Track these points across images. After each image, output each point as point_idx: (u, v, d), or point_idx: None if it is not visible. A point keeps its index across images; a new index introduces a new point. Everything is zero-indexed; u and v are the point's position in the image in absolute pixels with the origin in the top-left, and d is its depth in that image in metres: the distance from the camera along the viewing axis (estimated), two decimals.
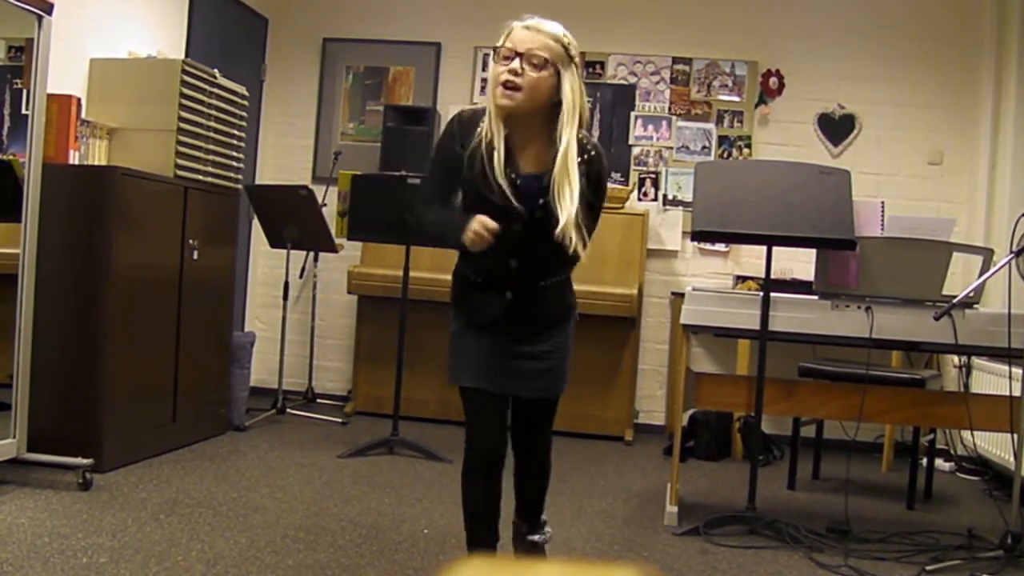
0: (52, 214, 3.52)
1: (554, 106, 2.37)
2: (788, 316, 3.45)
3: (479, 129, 2.40)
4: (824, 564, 3.13)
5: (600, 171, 2.49)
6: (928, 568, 3.11)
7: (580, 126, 2.39)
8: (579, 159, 2.38)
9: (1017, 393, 3.40)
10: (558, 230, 2.31)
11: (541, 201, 2.38)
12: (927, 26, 5.40)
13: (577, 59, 2.40)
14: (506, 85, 2.33)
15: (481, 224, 2.33)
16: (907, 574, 3.09)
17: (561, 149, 2.34)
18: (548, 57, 2.33)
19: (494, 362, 2.52)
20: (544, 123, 2.40)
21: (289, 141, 5.89)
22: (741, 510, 3.49)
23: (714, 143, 5.54)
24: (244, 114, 4.53)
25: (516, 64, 2.31)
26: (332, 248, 5.08)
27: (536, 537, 2.78)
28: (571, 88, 2.35)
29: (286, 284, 5.22)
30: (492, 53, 2.40)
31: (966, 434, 4.54)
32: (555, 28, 2.38)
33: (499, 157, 2.35)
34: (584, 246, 2.39)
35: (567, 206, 2.31)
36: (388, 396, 4.66)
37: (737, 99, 5.53)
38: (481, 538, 2.60)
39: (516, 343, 2.53)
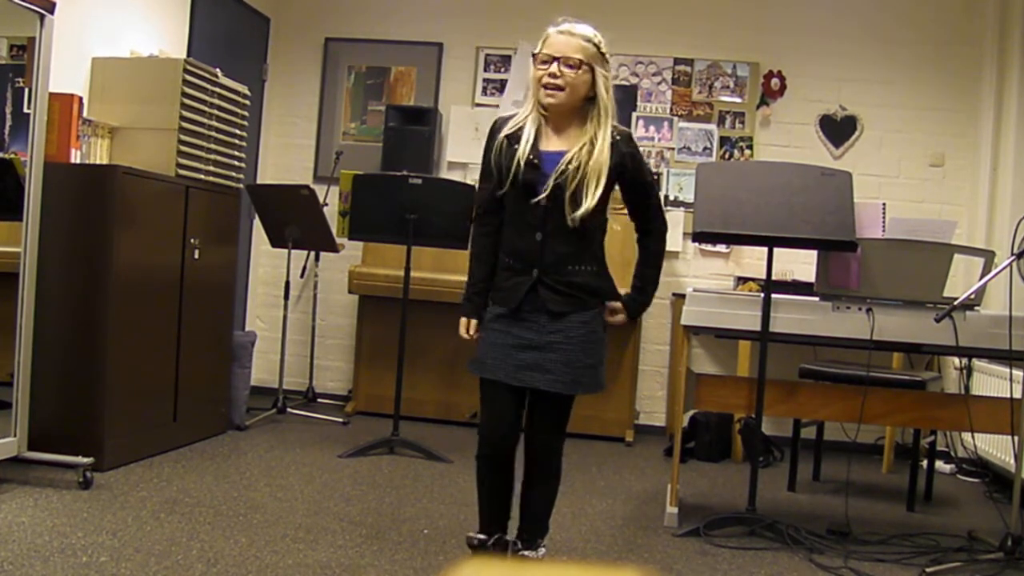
0: (53, 213, 3.52)
1: (588, 100, 2.60)
2: (789, 317, 3.45)
3: (509, 124, 2.68)
4: (824, 566, 3.13)
5: (634, 151, 2.68)
6: (928, 570, 3.11)
7: (611, 118, 2.62)
8: (613, 141, 2.60)
9: (1018, 395, 3.40)
10: (577, 214, 2.52)
11: (561, 173, 2.55)
12: (929, 28, 5.40)
13: (608, 56, 2.63)
14: (547, 86, 2.57)
15: (466, 328, 2.72)
16: None
17: (598, 144, 2.57)
18: (582, 58, 2.55)
19: (511, 353, 2.60)
20: (579, 115, 2.64)
21: (290, 140, 5.89)
22: (741, 511, 3.49)
23: (715, 144, 5.54)
24: (246, 113, 4.53)
25: (555, 68, 2.55)
26: (333, 248, 5.08)
27: (528, 553, 2.72)
28: (603, 86, 2.60)
29: (287, 283, 5.22)
30: (532, 58, 2.65)
31: (967, 436, 4.54)
32: (587, 30, 2.59)
33: (526, 140, 2.60)
34: (663, 223, 2.76)
35: (591, 196, 2.52)
36: (389, 396, 4.66)
37: (739, 100, 5.53)
38: (493, 511, 2.72)
39: (535, 332, 2.59)
